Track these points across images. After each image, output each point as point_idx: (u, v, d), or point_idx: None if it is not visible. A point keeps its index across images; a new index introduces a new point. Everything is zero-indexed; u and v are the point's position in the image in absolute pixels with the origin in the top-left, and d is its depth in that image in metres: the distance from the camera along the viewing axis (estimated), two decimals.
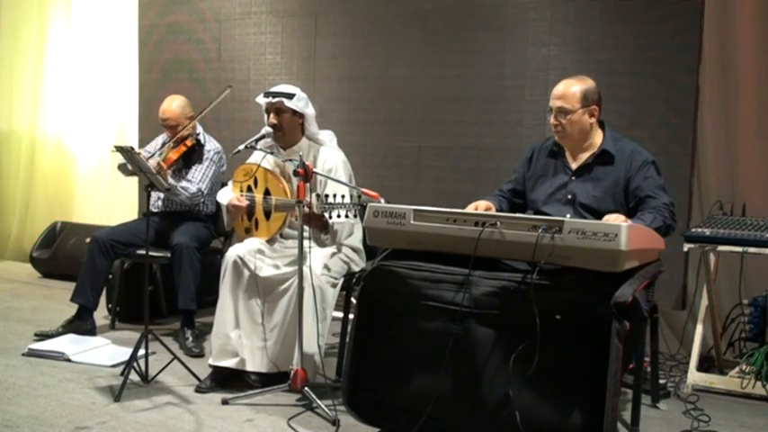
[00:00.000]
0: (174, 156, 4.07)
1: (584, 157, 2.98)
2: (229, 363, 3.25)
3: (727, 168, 4.00)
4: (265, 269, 3.28)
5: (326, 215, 3.05)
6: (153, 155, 4.03)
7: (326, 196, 2.96)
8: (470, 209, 2.86)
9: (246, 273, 3.27)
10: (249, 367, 3.24)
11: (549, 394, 2.31)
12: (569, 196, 2.96)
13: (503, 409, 2.34)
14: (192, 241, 3.95)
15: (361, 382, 2.65)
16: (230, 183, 3.59)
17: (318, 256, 3.20)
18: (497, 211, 2.98)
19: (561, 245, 2.29)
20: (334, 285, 3.24)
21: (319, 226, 3.17)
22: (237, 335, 3.26)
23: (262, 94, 3.40)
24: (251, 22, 5.00)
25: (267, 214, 3.40)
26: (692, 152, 3.72)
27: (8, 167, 6.66)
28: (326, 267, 3.20)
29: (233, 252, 3.30)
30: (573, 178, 2.98)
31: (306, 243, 3.03)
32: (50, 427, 2.78)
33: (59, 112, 6.44)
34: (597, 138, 2.98)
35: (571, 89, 2.91)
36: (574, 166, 2.99)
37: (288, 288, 3.22)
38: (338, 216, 2.98)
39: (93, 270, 4.01)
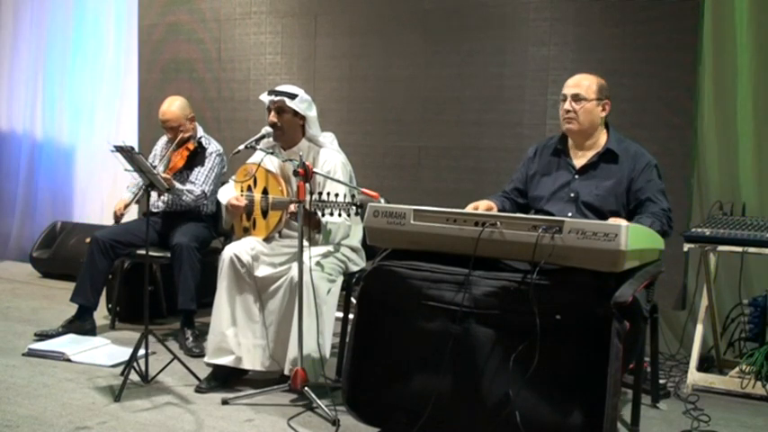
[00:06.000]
0: (179, 163, 4.12)
1: (589, 155, 2.99)
2: (225, 360, 3.25)
3: (727, 168, 4.00)
4: (262, 267, 3.27)
5: (319, 214, 3.04)
6: (156, 166, 4.02)
7: (320, 194, 2.96)
8: (470, 208, 2.86)
9: (243, 271, 3.26)
10: (246, 365, 3.23)
11: (549, 394, 2.31)
12: (572, 194, 2.96)
13: (503, 409, 2.34)
14: (192, 241, 3.96)
15: (361, 382, 2.65)
16: (231, 181, 3.59)
17: (313, 255, 3.18)
18: (499, 211, 2.98)
19: (561, 245, 2.29)
20: (330, 283, 3.22)
21: (312, 224, 3.16)
22: (234, 333, 3.25)
23: (265, 92, 3.40)
24: (251, 22, 5.00)
25: (264, 213, 3.40)
26: (691, 152, 3.72)
27: (8, 167, 6.66)
28: (320, 265, 3.19)
29: (229, 250, 3.29)
30: (576, 176, 2.98)
31: (305, 243, 3.02)
32: (50, 427, 2.78)
33: (59, 112, 6.44)
34: (602, 137, 3.00)
35: (587, 81, 2.98)
36: (577, 164, 3.00)
37: (281, 285, 3.21)
38: (331, 215, 2.98)
39: (93, 270, 4.02)
